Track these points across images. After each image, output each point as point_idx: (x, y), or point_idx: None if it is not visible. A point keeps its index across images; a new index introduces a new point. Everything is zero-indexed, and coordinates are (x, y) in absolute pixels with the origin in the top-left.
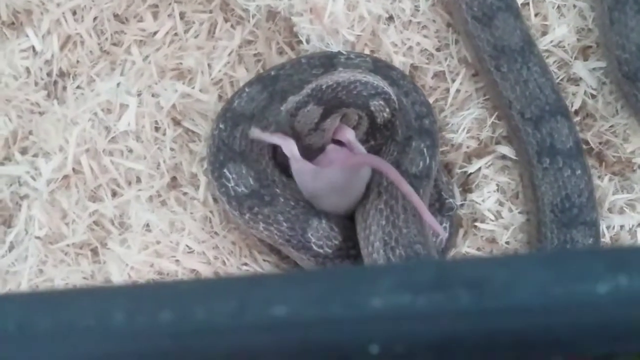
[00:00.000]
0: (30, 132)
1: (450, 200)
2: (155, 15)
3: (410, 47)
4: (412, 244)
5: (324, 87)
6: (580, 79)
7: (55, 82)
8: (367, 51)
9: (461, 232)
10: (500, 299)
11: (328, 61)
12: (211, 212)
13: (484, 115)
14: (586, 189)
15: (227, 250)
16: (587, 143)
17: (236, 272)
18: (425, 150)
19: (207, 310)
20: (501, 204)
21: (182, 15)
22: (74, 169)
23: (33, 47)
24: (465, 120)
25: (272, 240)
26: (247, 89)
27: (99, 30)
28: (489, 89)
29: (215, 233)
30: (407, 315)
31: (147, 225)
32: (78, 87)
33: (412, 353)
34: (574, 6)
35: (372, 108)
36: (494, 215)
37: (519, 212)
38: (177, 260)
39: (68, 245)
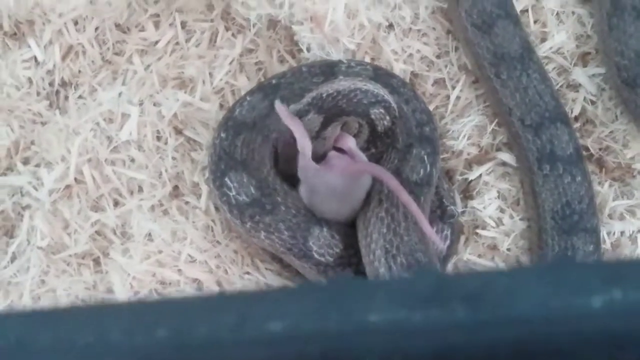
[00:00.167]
0: (33, 142)
1: (452, 207)
2: (156, 25)
3: (410, 55)
4: (413, 251)
5: (324, 95)
6: (580, 85)
7: (57, 92)
8: (367, 59)
9: (462, 239)
10: (498, 312)
11: (329, 69)
12: (213, 221)
13: (484, 122)
14: (586, 195)
15: (229, 259)
16: (587, 149)
17: (237, 282)
18: (425, 157)
19: (206, 326)
20: (502, 210)
21: (183, 25)
22: (76, 179)
23: (35, 58)
24: (465, 127)
25: (273, 249)
26: (248, 98)
27: (100, 40)
28: (489, 95)
29: (217, 242)
30: (404, 330)
31: (149, 234)
32: (80, 96)
33: None
34: (573, 13)
35: (373, 116)
36: (495, 222)
37: (520, 219)
38: (179, 270)
39: (70, 256)
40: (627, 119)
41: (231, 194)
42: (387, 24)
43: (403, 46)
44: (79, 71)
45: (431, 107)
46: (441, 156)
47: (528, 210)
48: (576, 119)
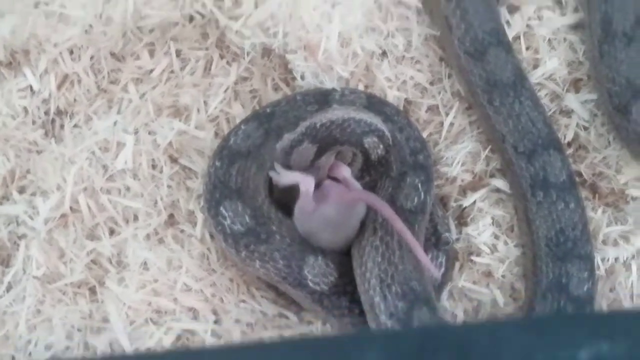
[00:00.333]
0: (28, 171)
1: (446, 234)
2: (151, 53)
3: (404, 82)
4: (408, 280)
5: (318, 125)
6: (572, 111)
7: (53, 121)
8: (361, 86)
9: (457, 265)
10: None
11: (323, 98)
12: (208, 249)
13: (477, 149)
14: (580, 221)
15: (225, 287)
16: (580, 175)
17: (233, 311)
18: (419, 185)
19: None
20: (496, 237)
21: (178, 53)
22: (71, 208)
23: (30, 87)
24: (459, 153)
25: (268, 278)
26: (243, 126)
27: (95, 69)
28: (482, 122)
29: (213, 270)
30: None
31: (145, 263)
32: (75, 125)
33: None
34: (565, 39)
35: (366, 145)
36: (489, 249)
37: (514, 245)
38: (175, 299)
39: (66, 285)
40: (620, 145)
41: (226, 223)
42: (380, 51)
43: (396, 73)
44: (75, 100)
45: (425, 134)
46: (435, 183)
47: (522, 236)
48: (569, 144)
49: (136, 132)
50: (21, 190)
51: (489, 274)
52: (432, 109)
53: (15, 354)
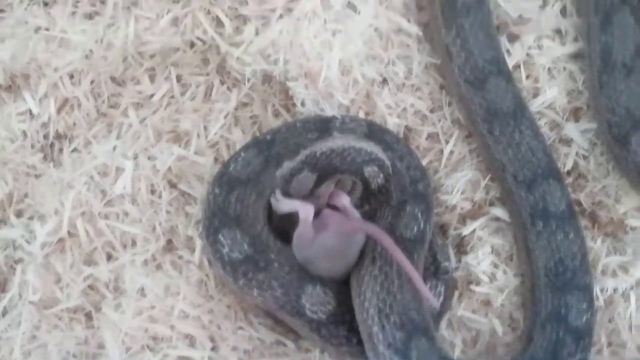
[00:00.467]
0: (26, 195)
1: (445, 263)
2: (152, 78)
3: (404, 109)
4: (406, 310)
5: (318, 154)
6: (572, 140)
7: (52, 145)
8: (361, 113)
9: (456, 294)
10: None
11: (323, 125)
12: (207, 275)
13: (477, 177)
14: (579, 252)
15: (223, 314)
16: (579, 204)
17: (230, 338)
18: (419, 214)
19: None
20: (496, 266)
21: (178, 78)
22: (69, 232)
23: (30, 111)
24: (459, 182)
25: (266, 306)
26: (242, 153)
27: (96, 93)
28: (482, 150)
29: (211, 297)
30: None
31: (142, 289)
32: (74, 149)
33: None
34: (564, 69)
35: (366, 174)
36: (488, 278)
37: (514, 275)
38: (171, 326)
39: (62, 310)
40: (619, 175)
41: (224, 250)
42: (380, 79)
43: (397, 101)
44: (74, 124)
45: (425, 162)
46: (435, 211)
47: (521, 265)
48: (568, 173)
49: (135, 157)
50: (19, 214)
51: (488, 303)
52: (432, 136)
53: None
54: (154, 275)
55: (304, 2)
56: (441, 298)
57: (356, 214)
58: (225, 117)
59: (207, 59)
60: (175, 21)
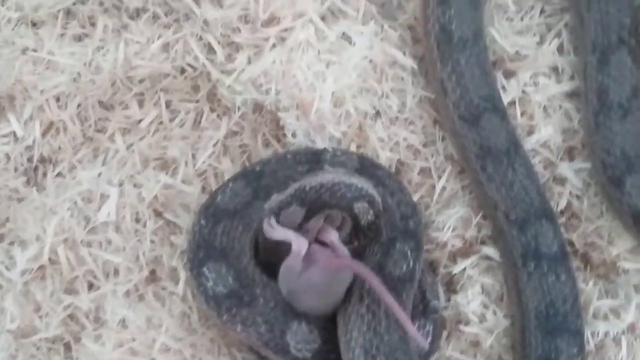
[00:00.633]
0: (7, 220)
1: (435, 302)
2: (140, 103)
3: (396, 143)
4: (393, 351)
5: (307, 188)
6: (566, 179)
7: (36, 168)
8: (353, 146)
9: (445, 333)
10: None
11: (314, 158)
12: (190, 307)
13: (469, 214)
14: (571, 295)
15: (206, 348)
16: (572, 244)
17: None
18: (409, 252)
19: None
20: (486, 306)
21: (168, 104)
22: (50, 259)
23: (14, 133)
24: (450, 218)
25: (250, 342)
26: (231, 184)
27: (82, 117)
28: (474, 187)
29: (194, 330)
30: None
31: (123, 320)
32: (59, 174)
33: None
34: (560, 107)
35: (356, 210)
36: (478, 318)
37: (504, 316)
38: (152, 359)
39: (40, 340)
40: (613, 216)
41: (208, 284)
42: (374, 112)
43: (390, 134)
44: (59, 148)
45: (416, 197)
46: (425, 247)
47: (512, 306)
48: (561, 213)
49: (121, 184)
50: None
51: (477, 344)
52: (424, 171)
53: None
54: (136, 307)
55: (297, 32)
56: (429, 338)
57: (345, 250)
58: (215, 145)
59: (197, 86)
60: (166, 46)
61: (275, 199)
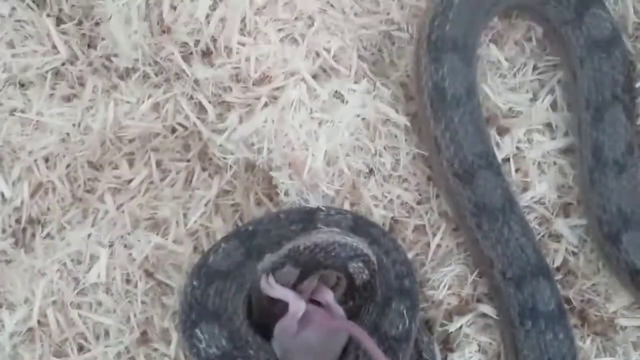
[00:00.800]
0: None
1: None
2: (130, 163)
3: (390, 200)
4: None
5: (301, 248)
6: (562, 236)
7: (24, 230)
8: (346, 204)
9: None
10: None
11: (307, 217)
12: None
13: (464, 272)
14: (569, 353)
15: None
16: (568, 301)
17: None
18: (405, 312)
19: None
20: None
21: (158, 164)
22: (39, 322)
23: (2, 194)
24: (446, 277)
25: None
26: (223, 245)
27: (71, 177)
28: (470, 245)
29: None
30: None
31: None
32: (47, 235)
33: None
34: (555, 163)
35: (351, 270)
36: None
37: None
38: None
39: None
40: (609, 273)
41: (201, 346)
42: (367, 170)
43: (383, 192)
44: (48, 209)
45: (411, 255)
46: (420, 306)
47: None
48: (558, 269)
49: (111, 244)
50: None
51: None
52: (418, 229)
53: None
54: None
55: (289, 91)
56: None
57: (340, 310)
58: (206, 204)
59: (188, 145)
60: (156, 106)
61: (269, 259)
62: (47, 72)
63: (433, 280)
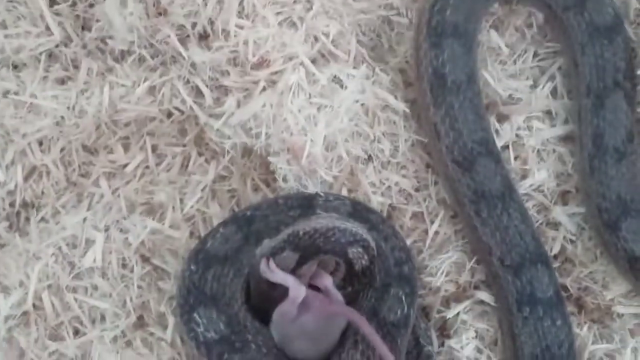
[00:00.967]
0: None
1: (428, 347)
2: (126, 147)
3: (388, 187)
4: None
5: (301, 233)
6: (560, 223)
7: (18, 213)
8: (344, 191)
9: None
10: None
11: (306, 202)
12: (179, 354)
13: (462, 259)
14: (567, 340)
15: None
16: (566, 289)
17: None
18: (403, 298)
19: None
20: (480, 351)
21: (154, 148)
22: (34, 305)
23: None
24: (443, 263)
25: None
26: (221, 230)
27: (66, 161)
28: (468, 232)
29: None
30: None
31: None
32: (42, 219)
33: None
34: (554, 151)
35: (350, 255)
36: None
37: None
38: None
39: None
40: (607, 260)
41: (199, 330)
42: (365, 156)
43: (381, 178)
44: (42, 192)
45: (409, 242)
46: (418, 293)
47: (506, 351)
48: (555, 257)
49: (107, 229)
50: None
51: None
52: (416, 216)
53: None
54: (124, 353)
55: (288, 75)
56: None
57: (339, 296)
58: (203, 190)
59: (184, 130)
60: (152, 90)
61: (268, 244)
62: (40, 53)
63: (431, 267)
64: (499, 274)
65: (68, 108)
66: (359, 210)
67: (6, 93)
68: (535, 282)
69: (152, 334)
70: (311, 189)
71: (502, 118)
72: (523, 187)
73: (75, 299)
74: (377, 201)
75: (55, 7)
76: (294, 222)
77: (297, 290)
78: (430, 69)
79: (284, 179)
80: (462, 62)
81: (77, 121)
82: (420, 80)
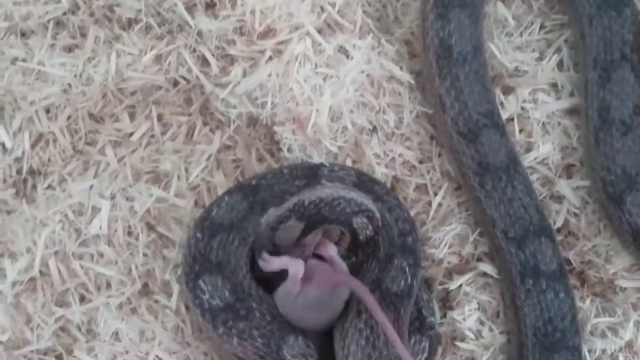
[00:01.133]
0: None
1: (431, 318)
2: (132, 116)
3: (392, 159)
4: None
5: (306, 202)
6: (564, 197)
7: (25, 181)
8: (349, 162)
9: (440, 349)
10: None
11: (311, 172)
12: (183, 321)
13: (466, 231)
14: (569, 312)
15: None
16: (569, 262)
17: None
18: (407, 268)
19: None
20: (482, 323)
21: (160, 117)
22: (41, 272)
23: (3, 144)
24: (447, 235)
25: (245, 356)
26: (226, 198)
27: (72, 129)
28: (472, 204)
29: (187, 343)
30: None
31: (116, 333)
32: (49, 186)
33: None
34: (559, 124)
35: (355, 225)
36: (474, 335)
37: (500, 332)
38: None
39: (32, 352)
40: (610, 234)
41: (204, 297)
42: (370, 127)
43: (385, 150)
44: (49, 160)
45: (412, 213)
46: (421, 264)
47: (508, 323)
48: (559, 230)
49: (113, 197)
50: None
51: None
52: (420, 187)
53: None
54: (129, 319)
55: (294, 45)
56: (425, 354)
57: (343, 265)
58: (208, 159)
59: (190, 99)
60: (158, 58)
61: (273, 213)
62: (48, 21)
63: (434, 239)
64: (503, 246)
65: (75, 76)
66: (363, 181)
67: (14, 60)
68: (539, 254)
69: (157, 301)
70: (316, 159)
71: (507, 90)
72: (527, 159)
73: (82, 266)
74: (381, 172)
75: None
76: (299, 191)
77: (296, 267)
78: (437, 40)
79: (289, 149)
80: (469, 33)
81: (84, 89)
82: (426, 51)
